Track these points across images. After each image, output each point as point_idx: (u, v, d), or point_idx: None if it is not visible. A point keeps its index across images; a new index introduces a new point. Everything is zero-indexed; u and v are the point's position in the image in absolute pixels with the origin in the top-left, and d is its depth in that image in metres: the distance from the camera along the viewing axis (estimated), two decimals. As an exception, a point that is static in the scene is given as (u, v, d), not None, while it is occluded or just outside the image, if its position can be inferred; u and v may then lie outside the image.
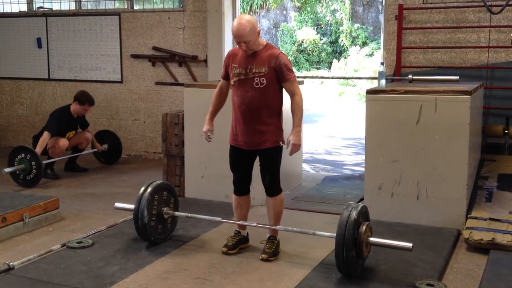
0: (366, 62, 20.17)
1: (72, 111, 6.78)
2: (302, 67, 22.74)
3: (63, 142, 6.63)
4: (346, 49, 22.77)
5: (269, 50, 3.86)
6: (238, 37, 3.74)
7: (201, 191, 5.57)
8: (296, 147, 3.83)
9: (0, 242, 4.41)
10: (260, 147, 3.92)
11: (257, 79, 3.82)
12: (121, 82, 7.93)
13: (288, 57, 4.05)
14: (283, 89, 3.93)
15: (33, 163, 6.18)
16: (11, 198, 5.03)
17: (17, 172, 6.26)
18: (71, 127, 6.83)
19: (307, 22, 24.03)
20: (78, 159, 7.13)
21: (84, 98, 6.76)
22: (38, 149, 6.40)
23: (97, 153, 7.34)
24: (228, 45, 7.18)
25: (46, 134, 6.50)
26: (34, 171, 6.20)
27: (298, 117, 3.82)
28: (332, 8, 23.77)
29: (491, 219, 4.38)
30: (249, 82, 3.84)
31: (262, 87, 3.82)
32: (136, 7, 7.84)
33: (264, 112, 3.86)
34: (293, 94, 3.85)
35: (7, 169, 6.17)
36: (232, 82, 3.95)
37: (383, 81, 5.10)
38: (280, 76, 3.83)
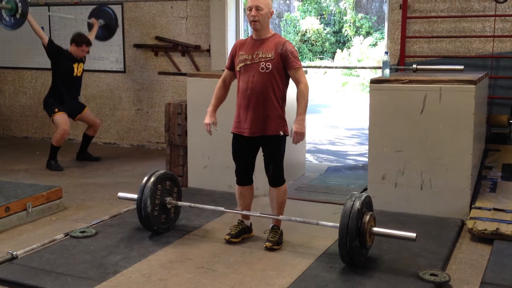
0: (370, 52, 20.12)
1: (72, 53, 6.72)
2: (305, 57, 22.67)
3: (63, 129, 6.53)
4: (349, 39, 22.68)
5: (277, 38, 3.93)
6: (253, 0, 3.82)
7: (204, 181, 5.56)
8: (299, 135, 3.82)
9: (3, 231, 4.42)
10: (263, 134, 3.90)
11: (262, 64, 3.82)
12: (124, 72, 7.91)
13: (292, 47, 4.05)
14: (289, 79, 3.92)
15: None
16: (14, 188, 5.03)
17: (4, 14, 6.17)
18: (75, 60, 6.72)
19: (310, 11, 23.92)
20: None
21: (80, 39, 6.69)
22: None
23: (92, 25, 7.16)
24: (232, 34, 7.14)
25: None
26: (20, 8, 6.10)
27: (302, 106, 3.81)
28: (335, -3, 23.69)
29: (495, 209, 4.37)
30: (254, 67, 3.85)
31: (267, 72, 3.82)
32: (138, -4, 7.80)
33: (268, 97, 3.85)
34: (298, 82, 3.84)
35: None
36: (237, 68, 3.95)
37: (387, 71, 5.07)
38: (285, 63, 3.83)
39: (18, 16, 6.15)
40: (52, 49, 6.67)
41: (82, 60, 6.81)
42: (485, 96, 5.58)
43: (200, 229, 4.37)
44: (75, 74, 6.72)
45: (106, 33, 7.43)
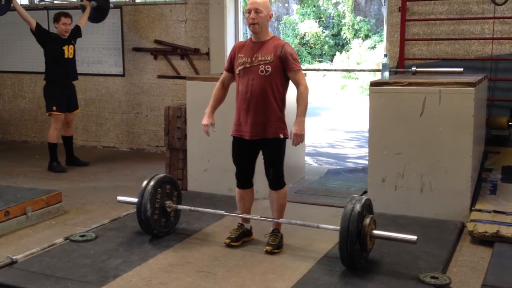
0: (369, 55, 20.13)
1: (59, 34, 6.73)
2: (304, 60, 22.66)
3: (57, 128, 6.68)
4: (348, 42, 22.70)
5: (276, 41, 3.92)
6: (252, 3, 3.81)
7: (204, 185, 5.55)
8: (299, 137, 3.81)
9: (3, 236, 4.41)
10: (263, 137, 3.89)
11: (262, 67, 3.82)
12: (123, 75, 7.91)
13: (291, 50, 4.05)
14: (289, 81, 3.92)
15: None
16: (14, 192, 5.03)
17: None
18: (65, 42, 6.73)
19: (309, 15, 23.94)
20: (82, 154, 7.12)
21: (57, 15, 6.72)
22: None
23: (84, 7, 7.15)
24: (231, 37, 7.15)
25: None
26: None
27: (301, 108, 3.81)
28: (334, 0, 23.68)
29: (495, 211, 4.37)
30: (254, 70, 3.85)
31: (267, 75, 3.82)
32: (137, 0, 7.80)
33: (268, 100, 3.84)
34: (298, 84, 3.84)
35: None
36: (237, 71, 3.94)
37: (386, 73, 5.08)
38: (285, 65, 3.83)
39: (3, 1, 6.21)
40: (40, 32, 6.69)
41: (71, 42, 6.79)
42: (484, 98, 5.58)
43: (200, 233, 4.36)
44: (66, 56, 6.73)
45: (98, 15, 7.36)
